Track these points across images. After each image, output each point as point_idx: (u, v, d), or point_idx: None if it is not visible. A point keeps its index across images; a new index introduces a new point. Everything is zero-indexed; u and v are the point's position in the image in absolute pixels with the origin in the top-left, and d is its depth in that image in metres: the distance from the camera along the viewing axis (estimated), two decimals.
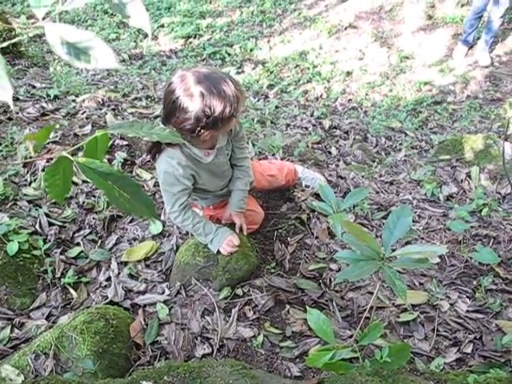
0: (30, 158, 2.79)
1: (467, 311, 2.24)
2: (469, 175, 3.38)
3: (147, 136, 0.81)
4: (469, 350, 2.06)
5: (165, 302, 2.17)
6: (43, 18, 0.84)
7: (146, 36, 6.97)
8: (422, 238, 2.70)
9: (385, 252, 1.22)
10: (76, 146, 0.88)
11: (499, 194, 3.16)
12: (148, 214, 0.84)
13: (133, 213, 0.84)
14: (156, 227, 2.57)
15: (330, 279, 2.37)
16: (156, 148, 2.05)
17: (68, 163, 0.82)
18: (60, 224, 2.49)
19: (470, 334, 2.14)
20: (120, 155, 3.01)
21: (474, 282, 2.42)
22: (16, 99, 3.61)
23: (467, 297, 2.32)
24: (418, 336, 2.10)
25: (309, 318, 1.34)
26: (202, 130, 1.88)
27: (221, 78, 1.85)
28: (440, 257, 2.55)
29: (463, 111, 5.48)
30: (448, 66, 6.29)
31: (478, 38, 6.27)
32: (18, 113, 3.34)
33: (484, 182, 3.26)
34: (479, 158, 3.56)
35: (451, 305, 2.26)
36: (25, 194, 2.60)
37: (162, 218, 2.65)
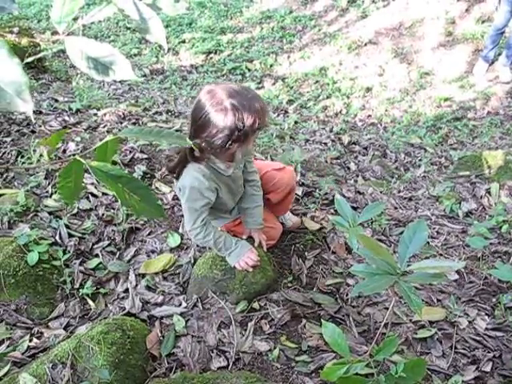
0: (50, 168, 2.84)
1: (486, 329, 2.21)
2: (488, 191, 3.35)
3: (157, 140, 0.83)
4: (488, 368, 2.03)
5: (181, 314, 2.18)
6: (66, 33, 0.87)
7: (168, 50, 7.06)
8: (441, 255, 2.68)
9: (400, 266, 1.22)
10: (88, 150, 0.90)
11: None
12: (157, 215, 0.87)
13: (142, 214, 0.87)
14: (174, 240, 2.59)
15: (347, 294, 2.36)
16: (181, 165, 2.07)
17: (79, 166, 0.85)
18: (79, 235, 2.52)
19: (489, 352, 2.10)
20: (140, 168, 3.05)
21: (494, 300, 2.38)
22: (39, 112, 3.68)
23: (486, 314, 2.29)
24: (436, 353, 2.08)
25: (324, 331, 1.33)
26: (233, 143, 1.91)
27: (248, 92, 1.90)
28: (458, 273, 2.53)
29: (484, 127, 5.44)
30: (468, 82, 6.26)
31: (499, 54, 6.24)
32: (40, 126, 3.40)
33: (504, 199, 3.23)
34: (499, 174, 3.53)
35: (470, 322, 2.23)
36: (45, 206, 2.64)
37: (180, 230, 2.67)
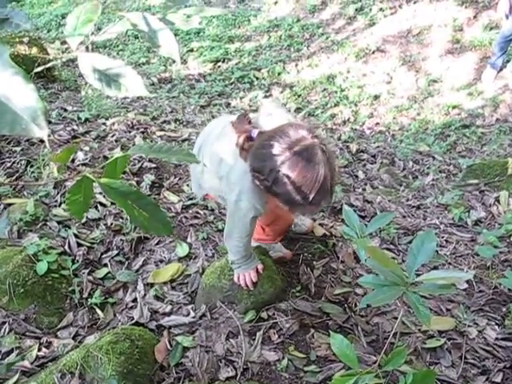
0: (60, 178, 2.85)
1: (496, 339, 2.19)
2: (498, 200, 3.34)
3: (166, 158, 0.84)
4: (498, 379, 2.01)
5: (190, 324, 2.18)
6: (78, 46, 0.88)
7: (175, 60, 7.10)
8: (450, 264, 2.67)
9: (409, 277, 1.22)
10: (100, 166, 0.91)
11: None
12: (165, 232, 0.87)
13: (151, 231, 0.87)
14: (182, 249, 2.59)
15: (356, 304, 2.35)
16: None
17: (89, 183, 0.86)
18: (88, 245, 2.53)
19: (499, 362, 2.09)
20: (148, 178, 3.06)
21: (504, 309, 2.37)
22: (48, 122, 3.69)
23: (496, 324, 2.28)
24: (445, 363, 2.06)
25: (332, 342, 1.33)
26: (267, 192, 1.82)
27: (318, 176, 1.67)
28: (468, 282, 2.52)
29: (492, 135, 5.43)
30: (477, 89, 6.25)
31: (508, 61, 6.23)
32: (49, 135, 3.42)
33: None
34: (508, 182, 3.51)
35: (479, 332, 2.22)
36: (54, 215, 2.65)
37: (189, 240, 2.67)
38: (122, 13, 0.92)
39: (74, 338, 2.11)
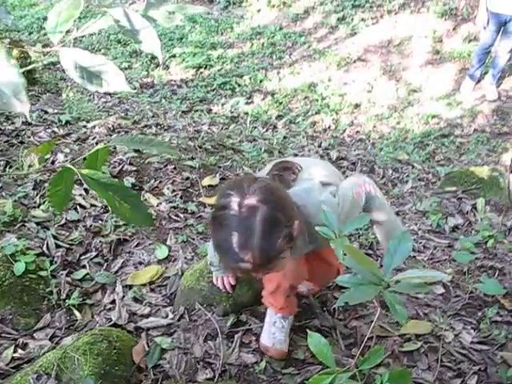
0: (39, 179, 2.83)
1: (472, 342, 2.22)
2: (474, 207, 3.39)
3: (147, 149, 0.85)
4: (473, 381, 2.04)
5: (168, 325, 2.17)
6: (59, 45, 0.89)
7: (157, 65, 7.10)
8: (427, 269, 2.70)
9: (385, 276, 1.23)
10: (78, 159, 0.91)
11: (505, 225, 3.16)
12: (146, 224, 0.88)
13: (132, 222, 0.88)
14: (162, 252, 2.58)
15: (334, 307, 2.36)
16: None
17: (70, 174, 0.86)
18: (67, 246, 2.51)
19: (474, 365, 2.12)
20: (128, 180, 3.05)
21: (479, 314, 2.40)
22: (28, 124, 3.67)
23: (472, 328, 2.31)
24: (422, 366, 2.09)
25: (309, 341, 1.34)
26: None
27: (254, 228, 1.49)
28: (445, 287, 2.55)
29: (470, 144, 5.51)
30: (455, 99, 6.35)
31: (486, 73, 6.34)
32: (29, 137, 3.39)
33: (490, 214, 3.27)
34: (485, 190, 3.57)
35: (455, 335, 2.25)
36: (33, 216, 2.62)
37: (168, 242, 2.67)
38: (104, 8, 0.93)
39: (50, 340, 2.09)
